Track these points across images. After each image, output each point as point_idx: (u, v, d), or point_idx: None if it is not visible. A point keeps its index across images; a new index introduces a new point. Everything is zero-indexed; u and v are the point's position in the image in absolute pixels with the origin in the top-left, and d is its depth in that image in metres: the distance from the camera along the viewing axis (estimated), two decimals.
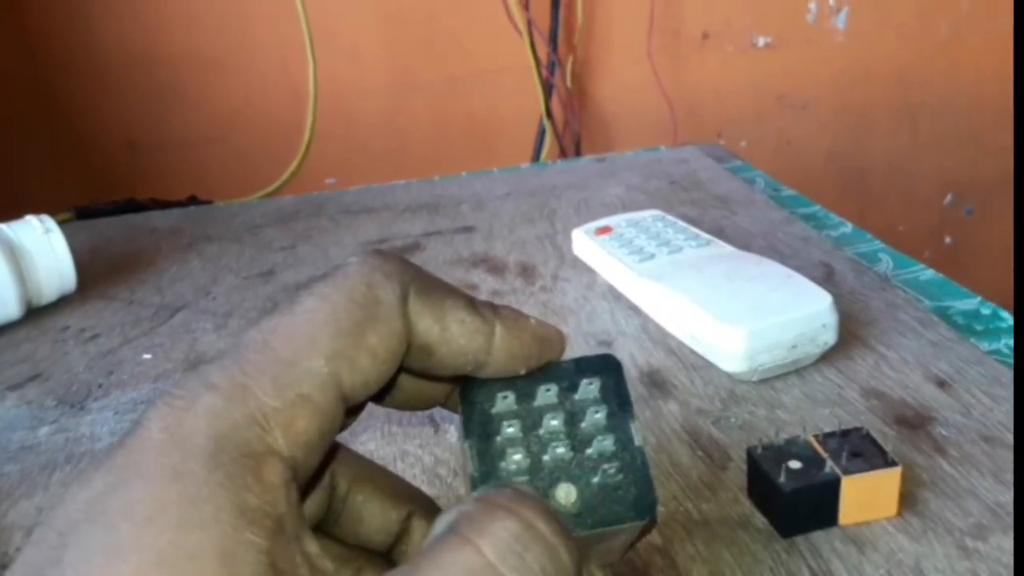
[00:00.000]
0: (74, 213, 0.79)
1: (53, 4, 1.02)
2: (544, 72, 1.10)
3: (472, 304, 0.25)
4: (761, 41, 1.18)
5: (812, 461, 0.32)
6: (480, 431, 0.25)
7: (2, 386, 0.48)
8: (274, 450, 0.20)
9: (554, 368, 0.26)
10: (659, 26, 1.13)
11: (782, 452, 0.33)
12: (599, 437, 0.25)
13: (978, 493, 0.33)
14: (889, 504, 0.32)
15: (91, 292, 0.60)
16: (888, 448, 0.32)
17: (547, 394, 0.25)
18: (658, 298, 0.47)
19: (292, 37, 1.00)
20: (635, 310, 0.49)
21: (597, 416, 0.25)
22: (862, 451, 0.32)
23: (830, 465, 0.32)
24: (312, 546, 0.21)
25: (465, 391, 0.25)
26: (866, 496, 0.32)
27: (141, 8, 1.05)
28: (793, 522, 0.32)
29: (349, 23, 1.09)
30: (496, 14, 1.06)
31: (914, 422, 0.38)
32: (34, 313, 0.57)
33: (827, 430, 0.33)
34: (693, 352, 0.44)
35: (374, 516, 0.27)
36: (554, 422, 0.25)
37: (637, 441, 0.25)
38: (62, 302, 0.59)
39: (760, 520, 0.33)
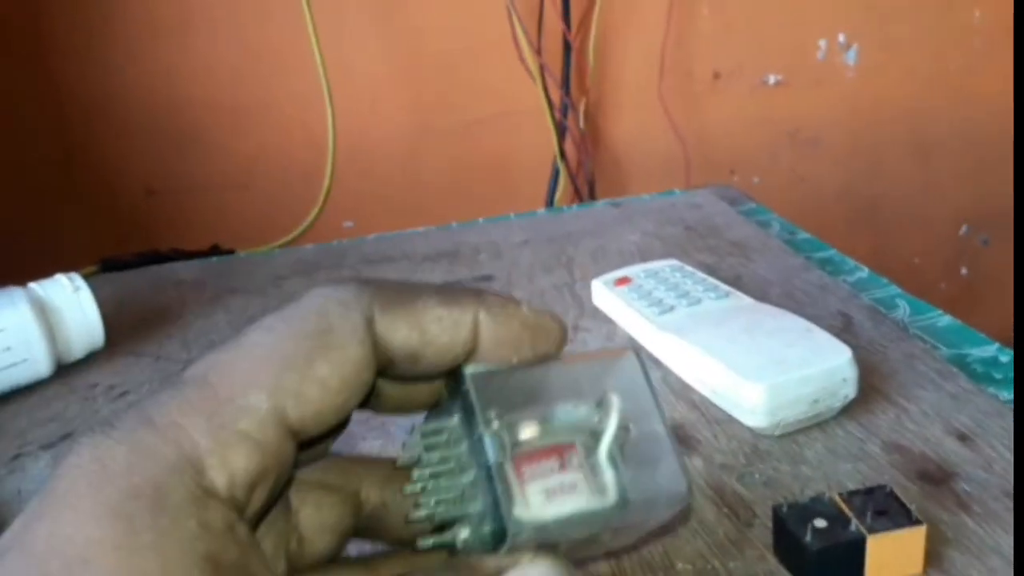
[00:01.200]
0: (99, 266, 0.80)
1: (75, 52, 1.05)
2: (557, 115, 1.11)
3: (446, 297, 0.24)
4: (772, 79, 1.20)
5: (837, 520, 0.33)
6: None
7: (35, 445, 0.49)
8: (213, 492, 0.19)
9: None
10: (670, 67, 1.14)
11: (808, 510, 0.33)
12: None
13: (1002, 551, 0.33)
14: (915, 562, 0.32)
15: (118, 348, 0.61)
16: (912, 505, 0.33)
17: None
18: (679, 352, 0.47)
19: (310, 84, 1.01)
20: (656, 362, 0.50)
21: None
22: (887, 509, 0.33)
23: (855, 524, 0.32)
24: None
25: (475, 380, 0.24)
26: (892, 555, 0.32)
27: (160, 57, 1.07)
28: None
29: (366, 70, 1.11)
30: (509, 59, 1.08)
31: (936, 477, 0.38)
32: (63, 371, 0.58)
33: (851, 487, 0.34)
34: (715, 406, 0.45)
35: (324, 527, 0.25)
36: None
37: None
38: (90, 359, 0.60)
39: None
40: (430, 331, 0.23)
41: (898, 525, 0.32)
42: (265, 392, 0.21)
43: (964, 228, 1.32)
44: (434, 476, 0.23)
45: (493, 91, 1.14)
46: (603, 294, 0.57)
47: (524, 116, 1.13)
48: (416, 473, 0.24)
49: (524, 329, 0.24)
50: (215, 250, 0.87)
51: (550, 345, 0.25)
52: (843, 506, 0.33)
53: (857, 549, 0.32)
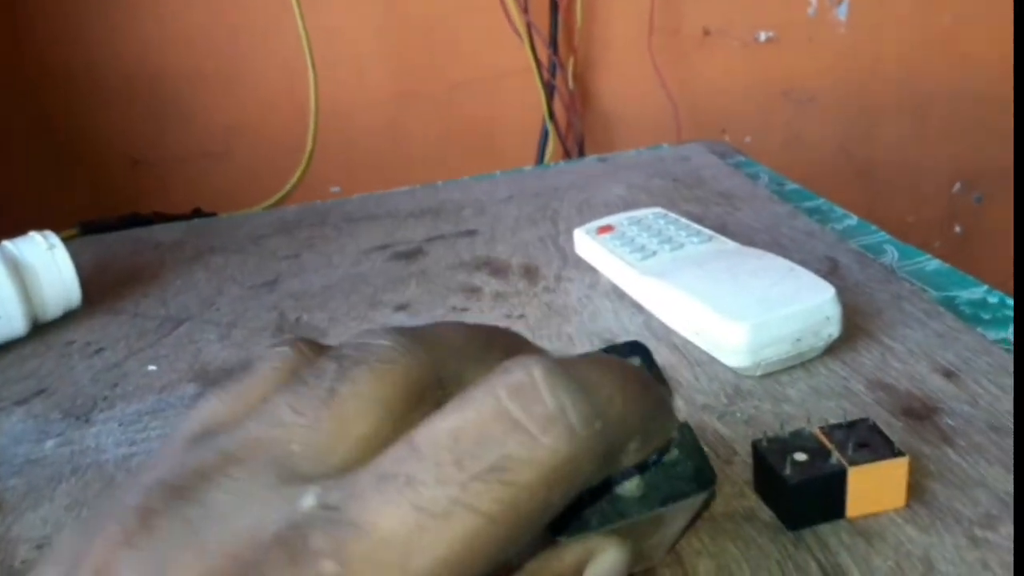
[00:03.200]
0: (79, 229, 0.79)
1: (53, 22, 1.03)
2: (545, 74, 1.10)
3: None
4: (763, 36, 1.18)
5: (818, 453, 0.32)
6: None
7: (8, 401, 0.49)
8: None
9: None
10: (659, 24, 1.13)
11: (787, 444, 0.32)
12: None
13: (987, 483, 0.32)
14: (897, 495, 0.32)
15: (96, 307, 0.60)
16: (895, 439, 0.32)
17: None
18: (660, 295, 0.46)
19: (292, 49, 1.00)
20: (638, 308, 0.49)
21: None
22: (868, 442, 0.32)
23: (836, 456, 0.31)
24: None
25: None
26: (873, 487, 0.31)
27: (141, 24, 1.05)
28: (800, 515, 0.31)
29: (349, 34, 1.09)
30: (495, 19, 1.06)
31: (921, 413, 0.37)
32: (39, 329, 0.57)
33: (833, 422, 0.33)
34: (697, 348, 0.44)
35: None
36: None
37: (682, 417, 0.25)
38: (67, 317, 0.59)
39: (766, 513, 0.32)
40: None
41: (880, 457, 0.31)
42: None
43: (957, 185, 1.30)
44: None
45: (479, 52, 1.12)
46: (585, 243, 0.56)
47: (512, 77, 1.11)
48: None
49: None
50: (197, 213, 0.86)
51: None
52: (824, 439, 0.32)
53: (838, 481, 0.31)
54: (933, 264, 0.54)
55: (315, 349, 0.24)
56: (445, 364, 0.22)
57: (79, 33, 1.04)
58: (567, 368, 0.20)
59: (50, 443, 0.44)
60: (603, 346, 0.45)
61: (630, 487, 0.24)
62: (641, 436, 0.21)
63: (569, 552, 0.22)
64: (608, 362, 0.22)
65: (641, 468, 0.23)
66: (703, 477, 0.24)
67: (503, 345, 0.25)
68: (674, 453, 0.25)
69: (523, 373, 0.19)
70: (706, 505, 0.25)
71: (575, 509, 0.23)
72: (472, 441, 0.18)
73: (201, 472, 0.20)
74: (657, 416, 0.22)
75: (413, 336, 0.22)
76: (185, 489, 0.19)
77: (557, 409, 0.19)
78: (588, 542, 0.22)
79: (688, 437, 0.25)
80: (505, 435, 0.19)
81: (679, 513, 0.25)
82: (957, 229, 1.32)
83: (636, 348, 0.27)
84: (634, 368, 0.22)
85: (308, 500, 0.19)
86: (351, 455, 0.20)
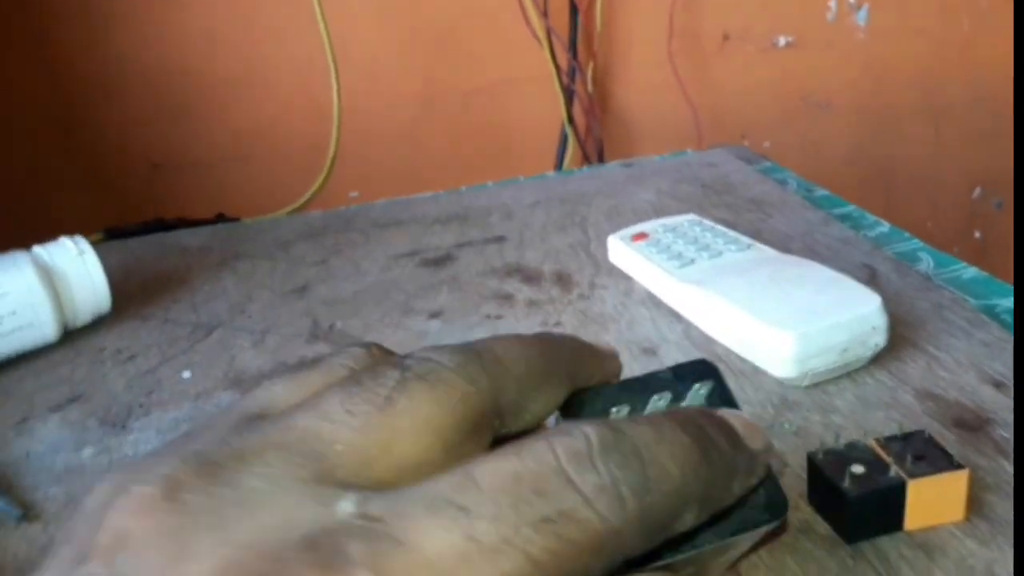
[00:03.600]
0: (103, 234, 0.79)
1: (74, 25, 1.03)
2: (565, 79, 1.10)
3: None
4: (782, 41, 1.18)
5: (875, 466, 0.31)
6: None
7: (43, 408, 0.48)
8: None
9: (652, 378, 0.26)
10: (679, 29, 1.12)
11: (844, 457, 0.32)
12: None
13: None
14: (956, 508, 0.31)
15: (125, 312, 0.60)
16: (950, 451, 0.32)
17: (659, 404, 0.25)
18: (702, 304, 0.46)
19: (312, 54, 1.00)
20: (677, 317, 0.49)
21: None
22: (925, 454, 0.32)
23: (895, 469, 0.31)
24: None
25: (567, 412, 0.25)
26: (932, 500, 0.31)
27: (161, 28, 1.05)
28: (858, 528, 0.31)
29: (369, 39, 1.09)
30: (515, 24, 1.06)
31: (973, 424, 0.37)
32: (70, 335, 0.57)
33: (887, 434, 0.33)
34: (740, 358, 0.43)
35: None
36: None
37: None
38: (97, 323, 0.59)
39: (822, 527, 0.32)
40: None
41: (939, 469, 0.31)
42: None
43: (977, 191, 1.30)
44: None
45: (499, 57, 1.12)
46: (620, 250, 0.56)
47: (531, 82, 1.11)
48: None
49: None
50: (221, 219, 0.86)
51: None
52: (880, 452, 0.32)
53: (897, 494, 0.31)
54: (969, 272, 0.54)
55: (388, 357, 0.24)
56: (506, 392, 0.23)
57: (100, 37, 1.04)
58: (624, 436, 0.20)
59: (88, 451, 0.44)
60: (642, 357, 0.45)
61: None
62: (698, 505, 0.21)
63: None
64: (672, 429, 0.21)
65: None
66: (775, 505, 0.24)
67: (567, 371, 0.25)
68: None
69: (581, 439, 0.20)
70: (777, 532, 0.25)
71: None
72: (531, 489, 0.19)
73: (240, 454, 0.19)
74: (719, 484, 0.22)
75: (479, 361, 0.22)
76: (220, 467, 0.19)
77: (610, 481, 0.19)
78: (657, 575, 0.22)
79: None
80: (562, 492, 0.19)
81: (747, 540, 0.25)
82: (977, 235, 1.31)
83: (706, 370, 0.26)
84: (699, 433, 0.22)
85: (347, 506, 0.18)
86: (391, 473, 0.20)
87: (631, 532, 0.19)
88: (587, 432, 0.20)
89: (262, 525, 0.18)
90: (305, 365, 0.24)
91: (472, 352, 0.23)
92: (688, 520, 0.21)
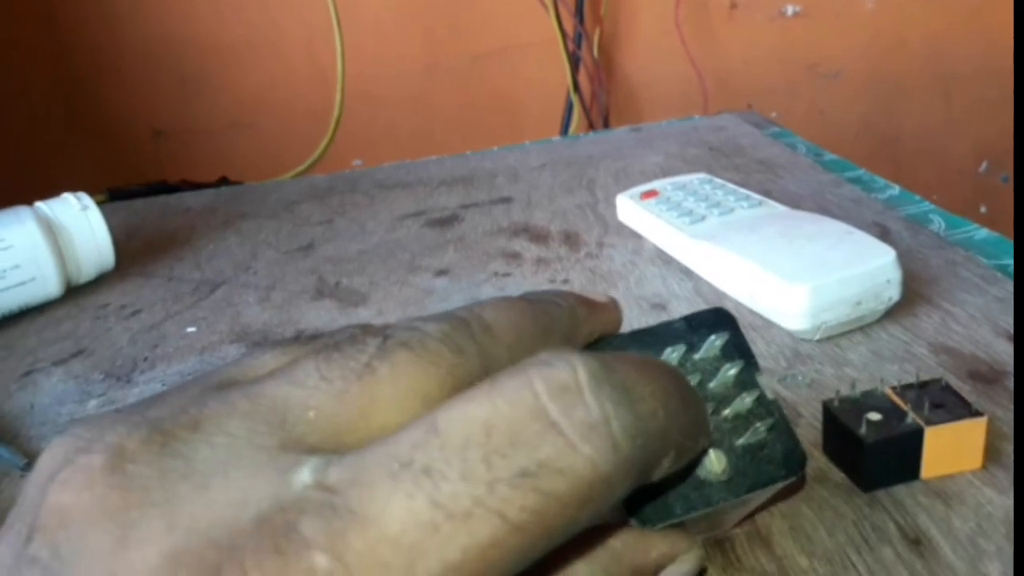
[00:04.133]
0: (107, 195, 0.78)
1: None
2: (571, 45, 1.09)
3: None
4: (790, 10, 1.16)
5: (892, 413, 0.31)
6: None
7: (47, 362, 0.48)
8: None
9: (666, 328, 0.24)
10: None
11: (860, 404, 0.31)
12: (736, 396, 0.23)
13: None
14: (974, 456, 0.31)
15: (129, 270, 0.60)
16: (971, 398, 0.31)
17: (672, 356, 0.24)
18: (713, 259, 0.46)
19: (317, 19, 0.99)
20: (687, 273, 0.48)
21: (730, 374, 0.23)
22: (943, 402, 0.31)
23: (912, 416, 0.30)
24: None
25: None
26: (950, 448, 0.30)
27: None
28: (875, 475, 0.31)
29: (373, 4, 1.08)
30: None
31: (988, 376, 0.36)
32: (73, 291, 0.57)
33: (905, 383, 0.32)
34: (752, 312, 0.43)
35: None
36: None
37: (770, 395, 0.24)
38: (101, 280, 0.58)
39: (837, 475, 0.32)
40: None
41: (957, 417, 0.30)
42: None
43: (984, 165, 1.29)
44: None
45: (505, 22, 1.11)
46: (629, 208, 0.55)
47: (536, 48, 1.10)
48: None
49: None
50: (224, 182, 0.85)
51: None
52: (897, 399, 0.31)
53: (915, 441, 0.30)
54: (982, 233, 0.53)
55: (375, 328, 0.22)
56: (496, 361, 0.20)
57: (105, 3, 1.03)
58: (613, 370, 0.18)
59: (93, 403, 0.43)
60: (651, 312, 0.45)
61: (716, 471, 0.22)
62: (676, 452, 0.19)
63: (654, 548, 0.21)
64: (654, 369, 0.19)
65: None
66: (793, 460, 0.23)
67: (562, 332, 0.23)
68: (763, 434, 0.23)
69: (566, 370, 0.17)
70: (796, 487, 0.24)
71: (656, 493, 0.22)
72: (505, 438, 0.16)
73: (196, 422, 0.18)
74: (693, 433, 0.20)
75: (466, 330, 0.20)
76: (171, 437, 0.17)
77: (601, 417, 0.17)
78: (673, 540, 0.21)
79: (778, 416, 0.23)
80: (541, 437, 0.17)
81: (763, 494, 0.24)
82: (983, 209, 1.30)
83: (721, 319, 0.25)
84: (677, 376, 0.20)
85: (303, 476, 0.16)
86: (368, 443, 0.17)
87: (620, 479, 0.17)
88: (573, 362, 0.18)
89: (213, 501, 0.16)
90: (289, 340, 0.23)
91: (458, 320, 0.20)
92: (664, 467, 0.19)
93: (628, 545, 0.21)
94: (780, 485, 0.23)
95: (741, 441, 0.23)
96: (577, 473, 0.16)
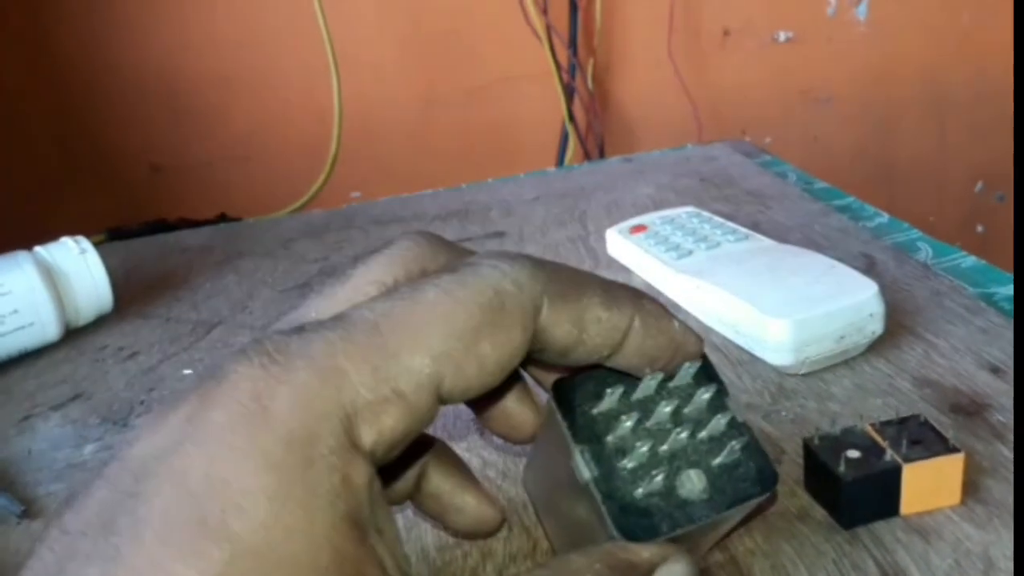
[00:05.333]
0: (106, 235, 0.79)
1: (75, 26, 1.03)
2: (565, 76, 1.10)
3: (609, 297, 0.24)
4: (782, 36, 1.18)
5: (871, 450, 0.31)
6: (588, 434, 0.24)
7: (45, 406, 0.49)
8: (359, 446, 0.19)
9: None
10: (679, 25, 1.12)
11: (839, 442, 0.32)
12: (711, 419, 0.25)
13: None
14: (952, 492, 0.31)
15: (127, 311, 0.60)
16: (948, 433, 0.32)
17: (649, 384, 0.25)
18: (699, 294, 0.46)
19: (314, 54, 1.00)
20: (674, 307, 0.49)
21: (704, 398, 0.25)
22: (921, 438, 0.32)
23: (890, 454, 0.31)
24: (393, 539, 0.20)
25: (560, 396, 0.25)
26: (929, 484, 0.31)
27: (162, 29, 1.05)
28: (854, 513, 0.31)
29: (370, 38, 1.09)
30: (515, 21, 1.06)
31: (970, 409, 0.37)
32: (72, 334, 0.57)
33: (884, 419, 0.33)
34: (737, 347, 0.43)
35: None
36: (666, 410, 0.25)
37: (740, 416, 0.25)
38: (99, 322, 0.59)
39: (819, 512, 0.32)
40: (589, 330, 0.23)
41: (935, 453, 0.31)
42: (430, 356, 0.20)
43: (979, 185, 1.30)
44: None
45: (499, 54, 1.12)
46: (618, 243, 0.56)
47: (531, 79, 1.11)
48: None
49: (670, 345, 0.25)
50: (222, 218, 0.86)
51: (686, 361, 0.25)
52: (876, 436, 0.32)
53: (893, 479, 0.31)
54: (969, 261, 0.53)
55: (446, 247, 0.26)
56: (446, 250, 0.25)
57: (100, 38, 1.05)
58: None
59: (89, 448, 0.44)
60: None
61: (696, 489, 0.24)
62: (602, 303, 0.23)
63: (646, 551, 0.22)
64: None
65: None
66: (765, 477, 0.24)
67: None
68: (737, 453, 0.25)
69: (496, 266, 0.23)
70: (767, 505, 0.25)
71: (643, 514, 0.23)
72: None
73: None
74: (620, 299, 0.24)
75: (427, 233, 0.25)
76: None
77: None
78: (663, 548, 0.22)
79: (749, 436, 0.25)
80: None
81: (738, 514, 0.25)
82: (979, 229, 1.31)
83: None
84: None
85: None
86: None
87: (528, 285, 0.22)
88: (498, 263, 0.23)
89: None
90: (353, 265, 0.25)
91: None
92: (593, 314, 0.23)
93: (622, 546, 0.23)
94: (756, 501, 0.24)
95: (718, 461, 0.24)
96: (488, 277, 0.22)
